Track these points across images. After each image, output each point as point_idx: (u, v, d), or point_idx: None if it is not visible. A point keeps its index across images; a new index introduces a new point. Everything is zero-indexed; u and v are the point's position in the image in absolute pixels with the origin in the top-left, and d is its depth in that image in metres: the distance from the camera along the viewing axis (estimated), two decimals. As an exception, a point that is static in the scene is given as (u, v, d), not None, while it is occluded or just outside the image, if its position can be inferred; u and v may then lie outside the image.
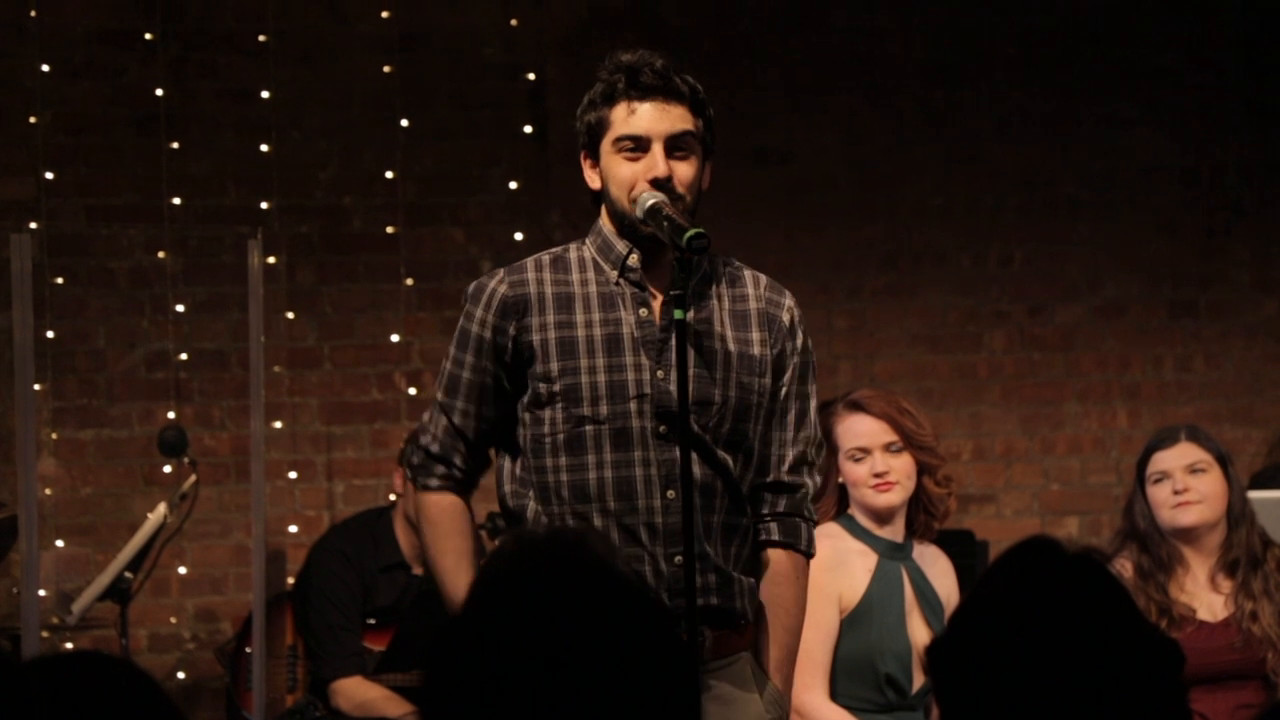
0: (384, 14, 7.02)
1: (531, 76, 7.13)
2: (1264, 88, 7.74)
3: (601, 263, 3.85)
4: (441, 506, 3.87)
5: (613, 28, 7.06)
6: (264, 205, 6.86)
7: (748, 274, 3.95)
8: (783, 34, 7.40)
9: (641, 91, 3.79)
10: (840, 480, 4.87)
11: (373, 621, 6.07)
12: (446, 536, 3.84)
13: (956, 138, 7.56)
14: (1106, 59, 7.66)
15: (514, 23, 7.14)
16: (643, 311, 3.81)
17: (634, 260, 3.82)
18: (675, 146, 3.79)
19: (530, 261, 3.89)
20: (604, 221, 3.88)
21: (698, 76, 3.89)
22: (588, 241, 3.89)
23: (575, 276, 3.85)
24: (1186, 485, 5.03)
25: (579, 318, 3.81)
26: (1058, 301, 7.64)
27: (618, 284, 3.83)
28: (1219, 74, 7.73)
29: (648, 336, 3.79)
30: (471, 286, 3.89)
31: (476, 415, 3.85)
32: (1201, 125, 7.72)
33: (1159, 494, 5.06)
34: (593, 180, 3.88)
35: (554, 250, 3.92)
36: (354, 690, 5.95)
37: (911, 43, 7.53)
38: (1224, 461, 5.08)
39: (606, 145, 3.82)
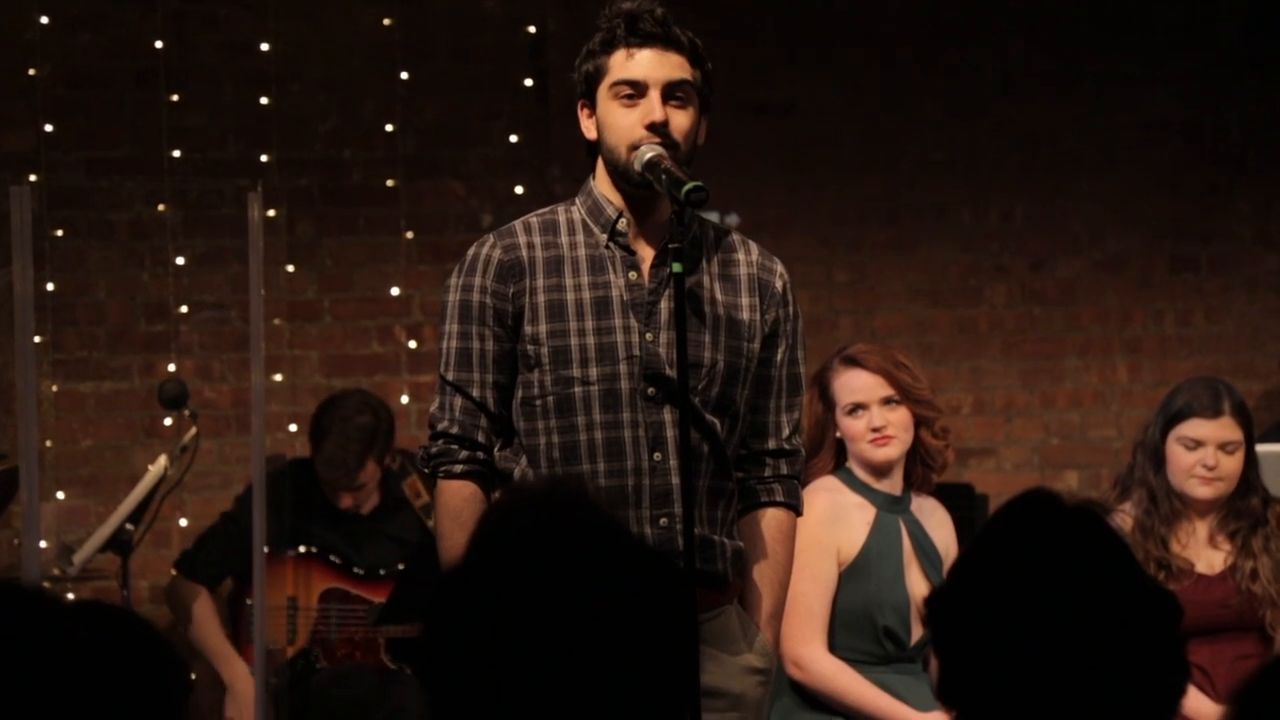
0: (384, -34, 7.00)
1: (532, 29, 7.11)
2: (1267, 43, 7.72)
3: (591, 225, 3.83)
4: (464, 497, 3.79)
5: (613, -20, 7.03)
6: (264, 158, 6.85)
7: (738, 240, 3.93)
8: (784, -13, 7.39)
9: (641, 38, 3.78)
10: (837, 435, 4.88)
11: (337, 560, 6.11)
12: (464, 529, 3.67)
13: (959, 92, 7.54)
14: (1109, 14, 7.64)
15: (514, -25, 7.12)
16: (632, 275, 3.80)
17: (623, 225, 3.81)
18: (672, 94, 3.77)
19: (519, 224, 3.87)
20: (595, 181, 3.87)
21: (699, 29, 3.89)
22: (577, 202, 3.88)
23: (564, 240, 3.83)
24: (1217, 462, 4.98)
25: (568, 281, 3.79)
26: (1059, 256, 7.64)
27: (607, 247, 3.81)
28: (1222, 29, 7.71)
29: (636, 299, 3.79)
30: (465, 257, 3.85)
31: (495, 385, 3.80)
32: (1204, 80, 7.71)
33: (1185, 459, 4.99)
34: (589, 130, 3.86)
35: (542, 212, 3.90)
36: (195, 597, 6.08)
37: (913, -4, 7.51)
38: (1251, 439, 5.05)
39: (603, 92, 3.80)
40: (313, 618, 6.12)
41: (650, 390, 3.76)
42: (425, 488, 6.22)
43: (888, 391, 4.84)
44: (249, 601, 5.97)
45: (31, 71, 6.71)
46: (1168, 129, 7.69)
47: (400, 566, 6.14)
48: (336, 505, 6.18)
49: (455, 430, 3.81)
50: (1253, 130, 7.75)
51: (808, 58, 7.42)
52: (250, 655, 5.92)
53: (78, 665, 2.09)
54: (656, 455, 3.75)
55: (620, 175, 3.79)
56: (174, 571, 6.25)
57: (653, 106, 3.76)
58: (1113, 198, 7.65)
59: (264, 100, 6.83)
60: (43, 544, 5.17)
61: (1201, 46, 7.69)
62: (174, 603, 6.18)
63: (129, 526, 5.83)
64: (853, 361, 4.89)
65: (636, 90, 3.78)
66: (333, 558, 6.12)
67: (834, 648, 4.77)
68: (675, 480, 3.71)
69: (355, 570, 6.13)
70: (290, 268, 6.96)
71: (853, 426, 4.85)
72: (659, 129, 3.75)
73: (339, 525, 6.17)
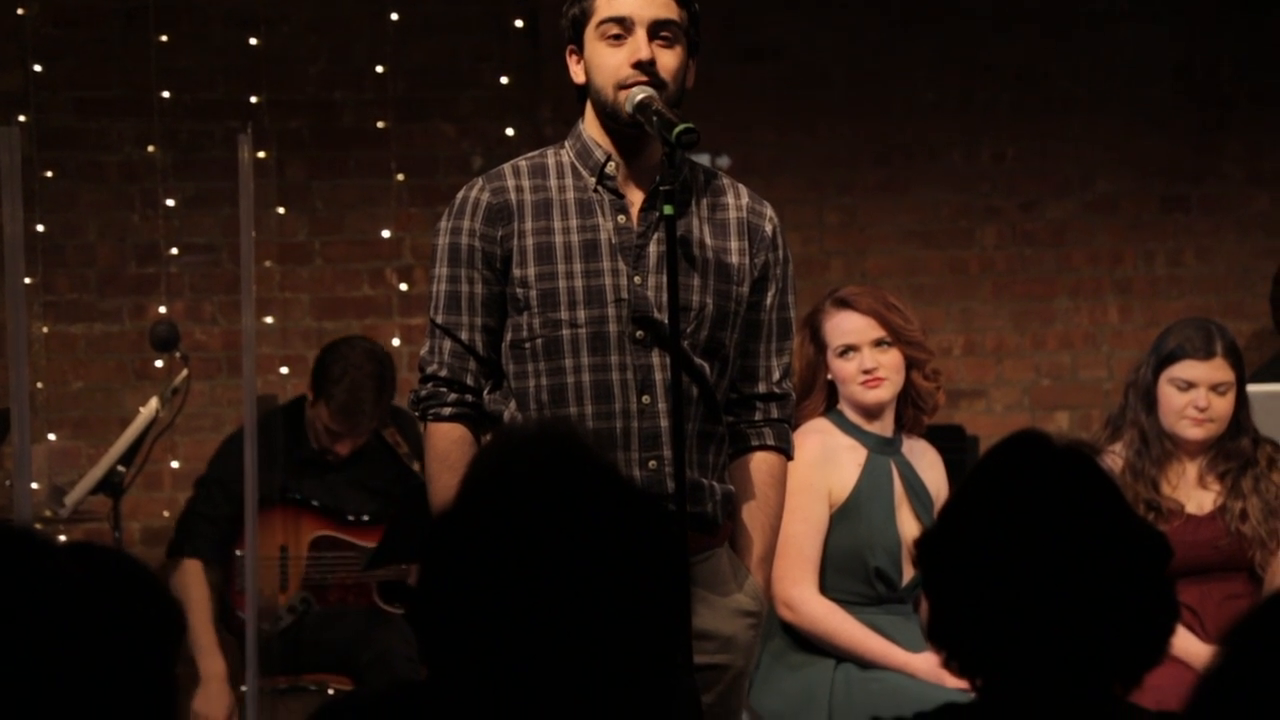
0: (374, -95, 6.97)
1: (522, -30, 7.09)
2: (1258, -18, 7.70)
3: (580, 168, 3.83)
4: (452, 439, 3.80)
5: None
6: (254, 99, 6.82)
7: (727, 183, 3.92)
8: (775, -73, 7.36)
9: None
10: (829, 377, 4.88)
11: (324, 507, 6.10)
12: (453, 471, 3.70)
13: (949, 33, 7.52)
14: (1100, -47, 7.62)
15: (505, -85, 7.09)
16: (620, 218, 3.79)
17: (611, 168, 3.80)
18: (658, 33, 3.76)
19: (508, 168, 3.86)
20: (584, 125, 3.86)
21: (690, -29, 3.87)
22: (566, 145, 3.87)
23: (553, 183, 3.82)
24: (1209, 403, 4.98)
25: (556, 224, 3.79)
26: (1050, 197, 7.63)
27: (595, 190, 3.81)
28: (1213, -32, 7.70)
29: (625, 243, 3.78)
30: (454, 201, 3.85)
31: (484, 328, 3.80)
32: (1195, 19, 7.68)
33: (1176, 400, 4.98)
34: (577, 74, 3.85)
35: (530, 155, 3.90)
36: (187, 576, 5.99)
37: (905, -64, 7.48)
38: (1243, 380, 5.05)
39: (590, 33, 3.79)
40: (303, 565, 6.13)
41: (639, 333, 3.75)
42: (403, 438, 6.22)
43: (879, 333, 4.84)
44: (239, 553, 5.98)
45: (20, 11, 6.68)
46: (1159, 68, 7.68)
47: (381, 510, 6.14)
48: (324, 453, 6.16)
49: (444, 373, 3.81)
50: (1244, 70, 7.74)
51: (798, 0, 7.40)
52: (241, 604, 5.93)
53: (70, 606, 2.09)
54: (645, 398, 3.75)
55: (609, 116, 3.78)
56: (165, 559, 6.18)
57: (639, 45, 3.75)
58: (1104, 138, 7.64)
59: (253, 41, 6.81)
60: (34, 486, 5.17)
61: (1193, -15, 7.67)
62: (171, 586, 6.10)
63: (120, 468, 5.83)
64: (844, 303, 4.89)
65: (623, 28, 3.76)
66: (319, 504, 6.12)
67: (825, 589, 4.78)
68: (664, 423, 3.72)
69: (343, 517, 6.13)
70: (281, 210, 6.95)
71: (844, 368, 4.85)
72: (646, 67, 3.74)
73: (317, 474, 6.16)
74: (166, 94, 6.77)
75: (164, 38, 6.76)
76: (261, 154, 6.73)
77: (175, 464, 6.82)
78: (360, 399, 6.07)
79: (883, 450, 4.86)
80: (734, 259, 3.85)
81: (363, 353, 6.14)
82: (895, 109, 7.51)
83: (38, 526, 5.33)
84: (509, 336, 3.80)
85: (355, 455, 6.18)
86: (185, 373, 6.00)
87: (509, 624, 2.07)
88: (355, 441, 6.14)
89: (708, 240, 3.83)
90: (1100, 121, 7.63)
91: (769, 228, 3.91)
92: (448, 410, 3.81)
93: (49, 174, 6.75)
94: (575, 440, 2.19)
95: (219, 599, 6.12)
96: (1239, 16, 7.71)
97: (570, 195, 3.81)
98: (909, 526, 4.81)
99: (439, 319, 3.82)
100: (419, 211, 7.03)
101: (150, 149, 6.82)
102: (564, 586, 2.08)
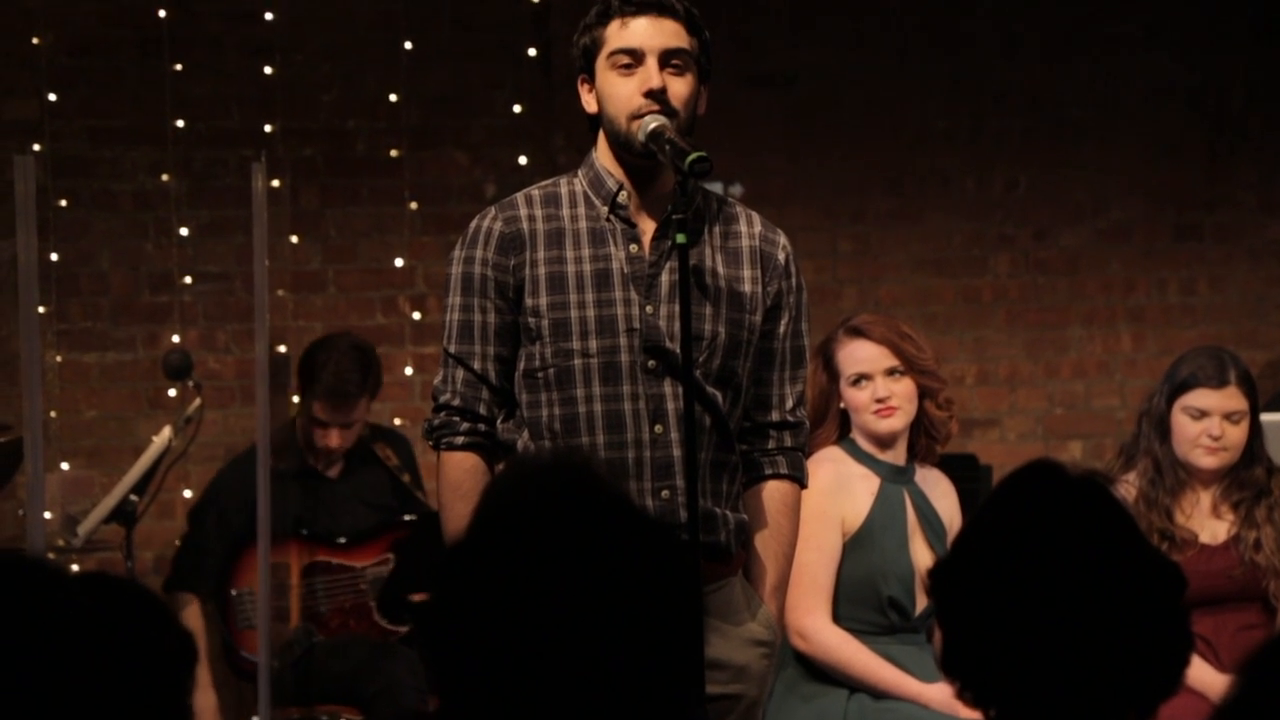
0: (387, -65, 6.98)
1: (535, -1, 7.10)
2: (1269, 8, 7.69)
3: (593, 197, 3.84)
4: (464, 468, 3.81)
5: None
6: (267, 128, 6.84)
7: (740, 211, 3.93)
8: (787, -44, 7.37)
9: (635, 7, 3.78)
10: (841, 405, 4.88)
11: (312, 533, 6.09)
12: (466, 500, 3.73)
13: (961, 61, 7.53)
14: (1112, -20, 7.62)
15: (518, -56, 7.11)
16: (632, 248, 3.80)
17: (624, 197, 3.81)
18: (669, 61, 3.77)
19: (520, 197, 3.88)
20: (598, 154, 3.86)
21: (699, 0, 3.88)
22: (579, 174, 3.88)
23: (565, 212, 3.83)
24: (1223, 432, 4.97)
25: (569, 253, 3.80)
26: (1062, 225, 7.63)
27: (608, 220, 3.82)
28: (1224, -5, 7.70)
29: (637, 272, 3.79)
30: (467, 230, 3.86)
31: (496, 358, 3.81)
32: (1206, 46, 7.69)
33: (1190, 429, 4.98)
34: (589, 104, 3.86)
35: (544, 184, 3.91)
36: (183, 611, 5.97)
37: (917, -36, 7.49)
38: (1256, 409, 5.04)
39: (601, 63, 3.80)
40: (300, 595, 6.11)
41: (651, 363, 3.76)
42: (393, 452, 6.24)
43: (892, 362, 4.84)
44: (233, 592, 5.98)
45: (35, 40, 6.70)
46: (1170, 96, 7.68)
47: (377, 524, 6.14)
48: (318, 457, 6.16)
49: (457, 402, 3.82)
50: (1256, 96, 7.73)
51: (809, 27, 7.41)
52: (244, 640, 5.92)
53: (82, 637, 2.09)
54: (657, 428, 3.75)
55: (622, 146, 3.79)
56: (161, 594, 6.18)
57: (650, 74, 3.76)
58: (1116, 166, 7.64)
59: (268, 70, 6.83)
60: (47, 515, 5.18)
61: (1203, 11, 7.67)
62: None
63: (133, 497, 5.83)
64: (857, 332, 4.88)
65: (633, 58, 3.78)
66: (306, 531, 6.11)
67: (838, 618, 4.77)
68: (676, 452, 3.72)
69: (333, 540, 6.11)
70: (294, 238, 6.96)
71: (857, 397, 4.85)
72: (657, 95, 3.75)
73: (309, 490, 6.16)
74: (180, 123, 6.79)
75: (178, 66, 6.77)
76: (275, 182, 6.73)
77: (188, 493, 6.82)
78: (345, 379, 6.09)
79: (896, 479, 4.85)
80: (746, 287, 3.85)
81: (345, 341, 6.19)
82: (908, 137, 7.51)
83: (50, 556, 5.33)
84: (521, 366, 3.81)
85: (347, 470, 6.20)
86: (198, 401, 6.00)
87: (521, 654, 2.07)
88: (345, 435, 6.13)
89: (720, 269, 3.84)
90: (1113, 149, 7.63)
91: (782, 256, 3.91)
92: (460, 439, 3.81)
93: (63, 203, 6.76)
94: (589, 470, 2.19)
95: (220, 638, 6.10)
96: (1251, 43, 7.71)
97: (583, 224, 3.81)
98: (922, 556, 4.80)
99: (452, 348, 3.83)
100: (432, 240, 7.04)
101: (164, 177, 6.83)
102: (577, 617, 2.07)
